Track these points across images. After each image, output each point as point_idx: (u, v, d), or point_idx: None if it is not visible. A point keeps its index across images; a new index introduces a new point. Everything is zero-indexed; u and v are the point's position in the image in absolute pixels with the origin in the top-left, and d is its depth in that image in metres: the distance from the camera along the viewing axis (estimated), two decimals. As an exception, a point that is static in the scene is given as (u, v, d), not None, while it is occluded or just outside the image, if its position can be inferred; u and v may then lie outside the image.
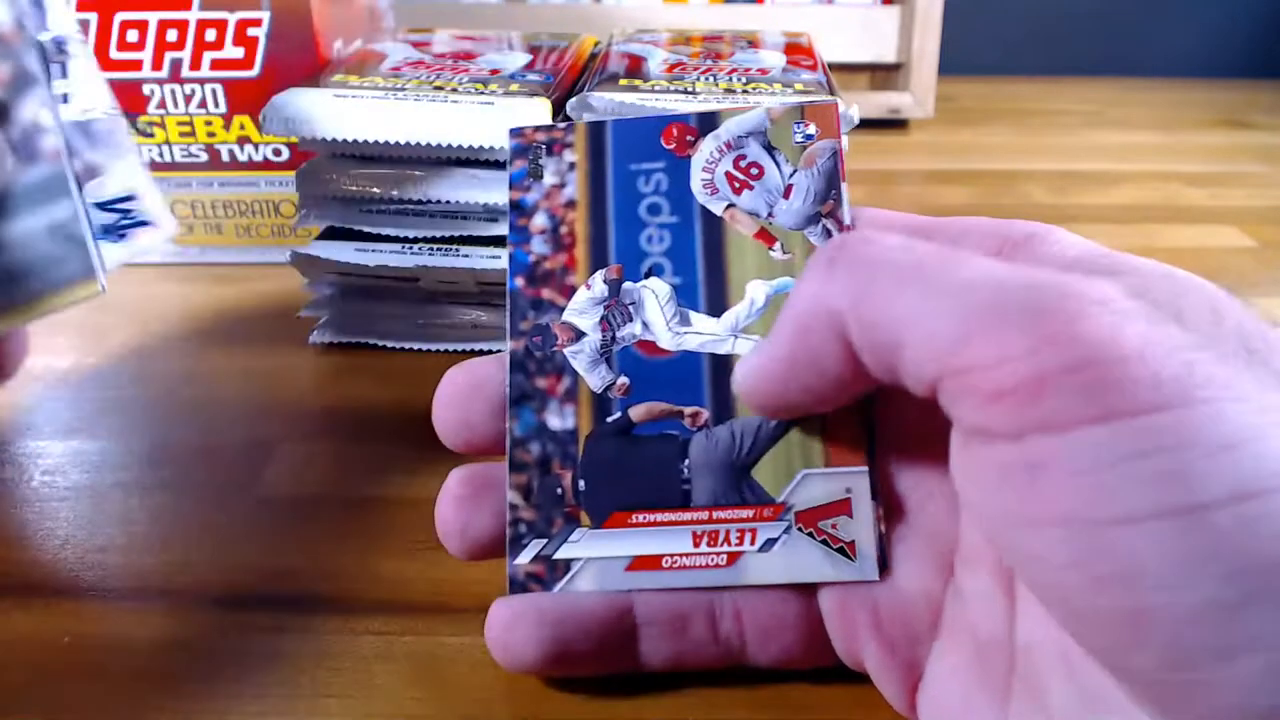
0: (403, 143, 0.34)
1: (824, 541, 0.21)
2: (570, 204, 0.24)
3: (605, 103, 0.34)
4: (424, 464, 0.30)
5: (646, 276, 0.23)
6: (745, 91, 0.35)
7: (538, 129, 0.25)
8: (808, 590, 0.22)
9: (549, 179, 0.25)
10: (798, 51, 0.41)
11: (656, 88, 0.36)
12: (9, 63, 0.25)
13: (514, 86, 0.36)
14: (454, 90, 0.36)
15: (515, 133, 0.25)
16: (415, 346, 0.38)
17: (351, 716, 0.22)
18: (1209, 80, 0.85)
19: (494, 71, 0.38)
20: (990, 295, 0.16)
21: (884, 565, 0.21)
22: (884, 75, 0.71)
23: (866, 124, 0.67)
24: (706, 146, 0.24)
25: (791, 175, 0.24)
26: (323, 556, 0.27)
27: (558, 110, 0.36)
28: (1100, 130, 0.71)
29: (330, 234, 0.37)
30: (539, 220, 0.24)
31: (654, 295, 0.23)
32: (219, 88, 0.43)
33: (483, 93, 0.36)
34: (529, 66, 0.39)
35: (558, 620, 0.22)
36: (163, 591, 0.26)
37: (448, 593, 0.26)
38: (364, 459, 0.32)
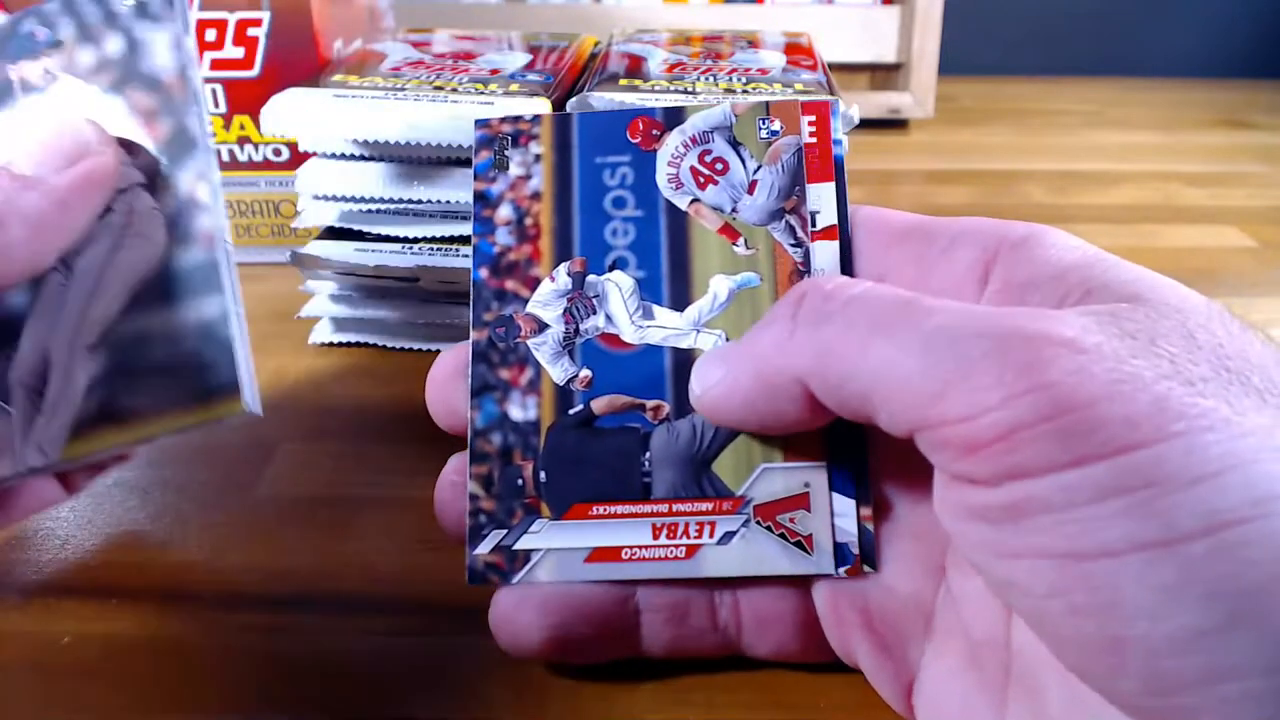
0: (403, 143, 0.34)
1: (781, 535, 0.22)
2: (535, 196, 0.24)
3: (605, 103, 0.34)
4: (424, 464, 0.30)
5: (611, 270, 0.24)
6: (745, 91, 0.35)
7: (504, 120, 0.25)
8: (804, 585, 0.22)
9: (514, 170, 0.25)
10: (798, 51, 0.41)
11: (656, 88, 0.36)
12: (170, 119, 0.21)
13: (514, 86, 0.36)
14: (454, 90, 0.36)
15: (481, 124, 0.25)
16: (415, 346, 0.38)
17: (352, 717, 0.22)
18: (1209, 80, 0.85)
19: (494, 71, 0.38)
20: (957, 347, 0.16)
21: (871, 562, 0.21)
22: (884, 75, 0.71)
23: (866, 124, 0.67)
24: (672, 141, 0.24)
25: (756, 171, 0.24)
26: (323, 556, 0.27)
27: (558, 110, 0.36)
28: (1100, 130, 0.71)
29: (330, 234, 0.37)
30: (504, 212, 0.24)
31: (617, 288, 0.23)
32: (219, 88, 0.43)
33: (483, 93, 0.36)
34: (529, 66, 0.39)
35: (561, 607, 0.22)
36: (163, 591, 0.26)
37: (448, 592, 0.26)
38: (364, 459, 0.32)
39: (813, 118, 0.24)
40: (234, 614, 0.25)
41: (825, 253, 0.23)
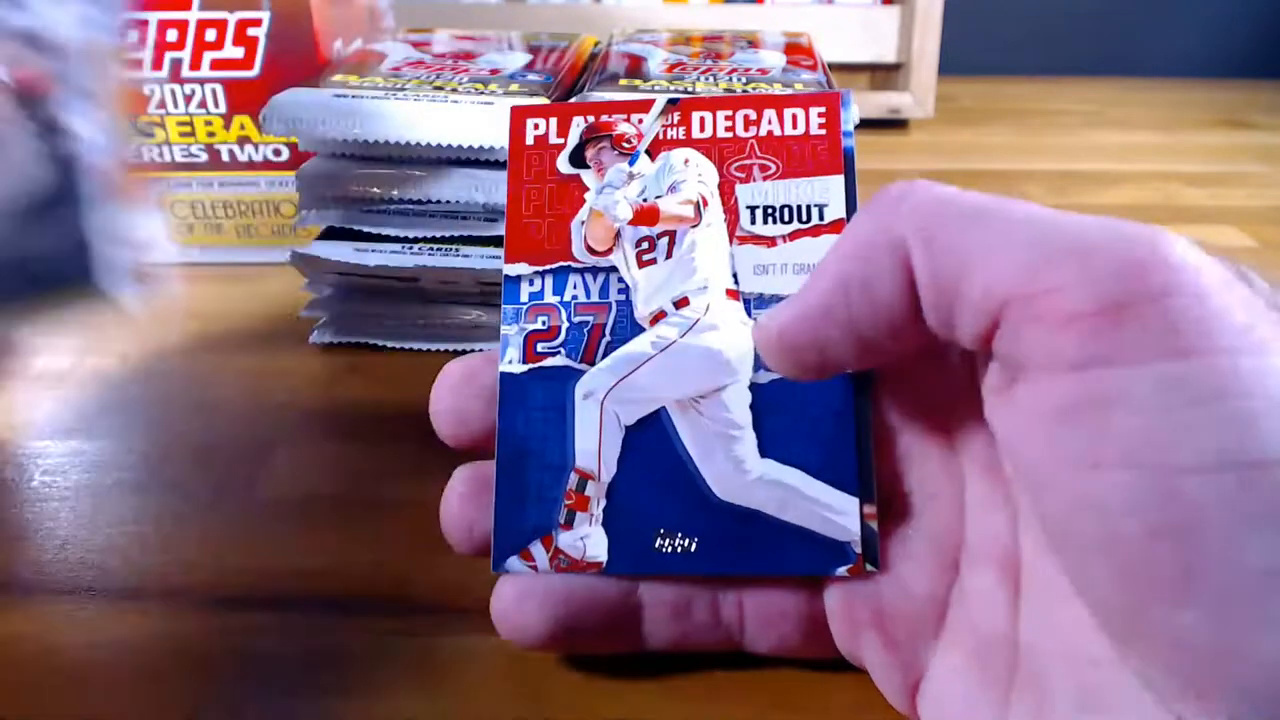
0: (403, 143, 0.34)
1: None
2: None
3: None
4: (424, 464, 0.30)
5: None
6: (745, 92, 0.35)
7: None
8: (811, 582, 0.22)
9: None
10: (798, 51, 0.41)
11: (656, 88, 0.36)
12: (55, 68, 0.24)
13: (514, 86, 0.36)
14: (454, 90, 0.36)
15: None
16: (415, 346, 0.38)
17: (353, 717, 0.22)
18: (1209, 80, 0.85)
19: (494, 71, 0.38)
20: (1070, 227, 0.16)
21: (876, 562, 0.21)
22: (884, 75, 0.71)
23: (866, 124, 0.67)
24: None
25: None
26: (323, 557, 0.27)
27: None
28: (1100, 130, 0.71)
29: (330, 234, 0.37)
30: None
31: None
32: (219, 88, 0.43)
33: (483, 93, 0.36)
34: (529, 66, 0.39)
35: (565, 598, 0.22)
36: (162, 592, 0.26)
37: (449, 592, 0.26)
38: (364, 459, 0.32)
39: (822, 109, 0.24)
40: (234, 614, 0.25)
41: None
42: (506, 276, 0.24)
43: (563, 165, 0.25)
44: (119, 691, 0.23)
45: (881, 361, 0.20)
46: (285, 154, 0.44)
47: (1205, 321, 0.14)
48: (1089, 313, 0.15)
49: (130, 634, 0.24)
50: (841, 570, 0.21)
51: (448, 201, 0.36)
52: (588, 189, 0.24)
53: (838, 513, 0.22)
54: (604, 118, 0.25)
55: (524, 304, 0.24)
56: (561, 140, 0.25)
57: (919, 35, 0.67)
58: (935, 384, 0.21)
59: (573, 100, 0.35)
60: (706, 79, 0.37)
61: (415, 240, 0.36)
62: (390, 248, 0.36)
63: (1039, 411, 0.16)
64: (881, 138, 0.68)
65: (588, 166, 0.24)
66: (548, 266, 0.24)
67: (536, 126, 0.25)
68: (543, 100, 0.35)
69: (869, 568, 0.21)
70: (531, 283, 0.24)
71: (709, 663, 0.23)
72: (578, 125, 0.25)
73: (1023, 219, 0.16)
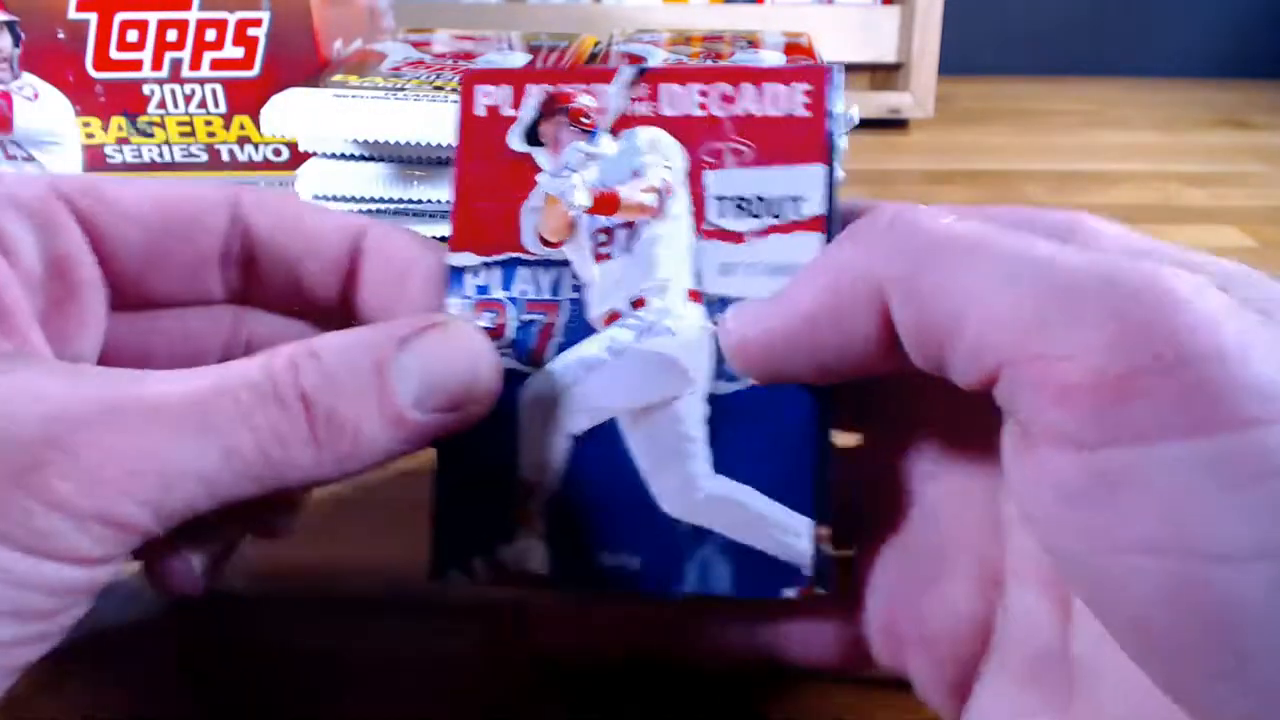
0: (403, 143, 0.34)
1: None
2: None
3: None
4: (424, 464, 0.30)
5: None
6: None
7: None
8: (852, 599, 0.21)
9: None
10: (798, 51, 0.41)
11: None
12: None
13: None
14: (454, 90, 0.36)
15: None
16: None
17: (354, 716, 0.22)
18: (1209, 80, 0.85)
19: (494, 71, 0.38)
20: (1069, 277, 0.14)
21: (827, 585, 0.20)
22: (884, 75, 0.71)
23: (866, 124, 0.67)
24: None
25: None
26: (323, 556, 0.27)
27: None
28: (1100, 130, 0.71)
29: (330, 234, 0.37)
30: None
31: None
32: (219, 88, 0.43)
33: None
34: (529, 66, 0.39)
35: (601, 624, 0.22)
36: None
37: (450, 592, 0.26)
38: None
39: (808, 86, 0.21)
40: (234, 614, 0.25)
41: (806, 248, 0.20)
42: (450, 267, 0.22)
43: (515, 142, 0.22)
44: (119, 692, 0.23)
45: (858, 376, 0.19)
46: (285, 154, 0.44)
47: (1227, 389, 0.13)
48: (1092, 385, 0.14)
49: (130, 634, 0.24)
50: (790, 593, 0.20)
51: (448, 201, 0.36)
52: (542, 170, 0.22)
53: (790, 534, 0.20)
54: (563, 88, 0.22)
55: (469, 298, 0.22)
56: (515, 113, 0.22)
57: (919, 35, 0.67)
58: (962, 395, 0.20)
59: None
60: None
61: (415, 240, 0.36)
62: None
63: (1048, 487, 0.15)
64: (881, 138, 0.68)
65: (543, 144, 0.22)
66: (495, 257, 0.22)
67: (487, 95, 0.22)
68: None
69: (819, 590, 0.20)
70: (477, 274, 0.22)
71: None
72: (533, 96, 0.22)
73: (1016, 263, 0.15)
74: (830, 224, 0.20)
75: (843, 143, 0.35)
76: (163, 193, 0.22)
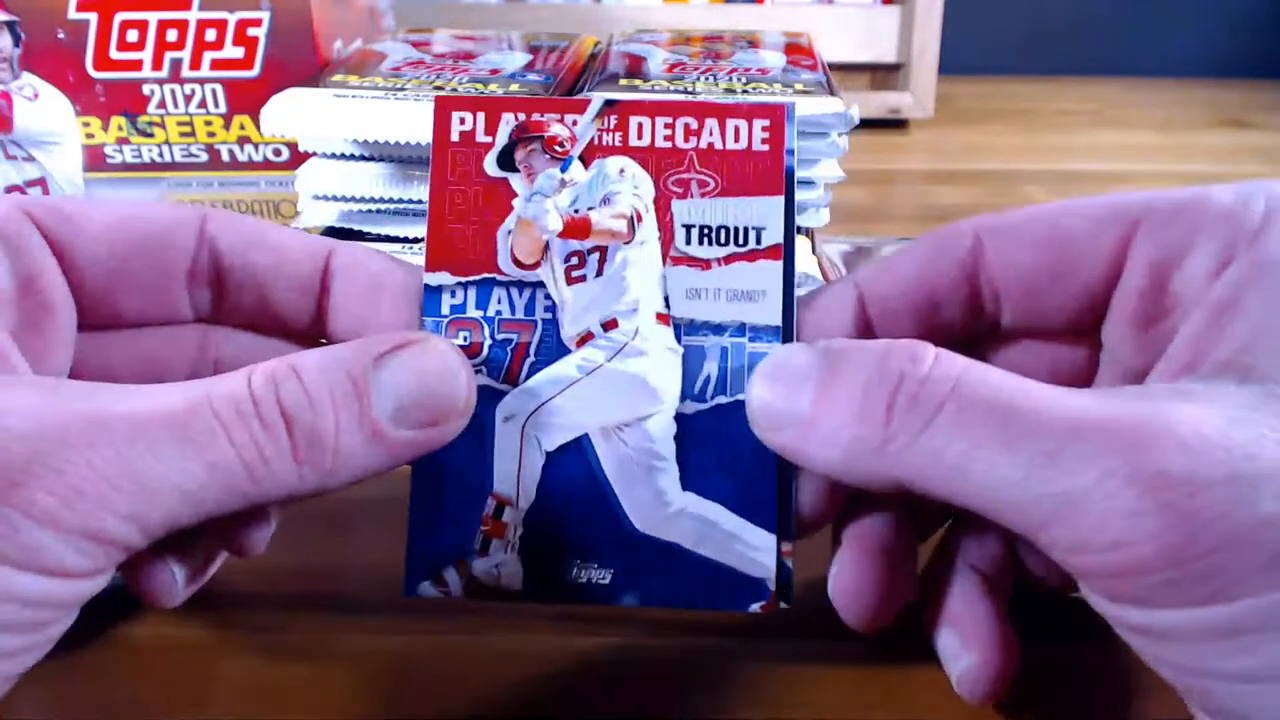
0: (403, 143, 0.34)
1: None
2: None
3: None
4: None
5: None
6: (745, 92, 0.35)
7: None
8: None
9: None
10: (798, 51, 0.41)
11: (656, 88, 0.35)
12: None
13: (514, 86, 0.36)
14: (454, 90, 0.36)
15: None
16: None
17: (354, 716, 0.22)
18: (1209, 80, 0.85)
19: (494, 71, 0.38)
20: (1064, 468, 0.16)
21: (790, 599, 0.21)
22: (884, 75, 0.71)
23: (866, 124, 0.67)
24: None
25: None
26: (323, 556, 0.27)
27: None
28: (1101, 130, 0.71)
29: (330, 234, 0.37)
30: None
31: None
32: (219, 88, 0.43)
33: (482, 93, 0.35)
34: (529, 66, 0.39)
35: None
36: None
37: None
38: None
39: (766, 122, 0.23)
40: (234, 614, 0.25)
41: (767, 275, 0.22)
42: (426, 286, 0.22)
43: (490, 167, 0.23)
44: (118, 692, 0.23)
45: None
46: (285, 154, 0.44)
47: (1211, 576, 0.15)
48: (1103, 574, 0.16)
49: (130, 634, 0.24)
50: (755, 607, 0.21)
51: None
52: (516, 195, 0.23)
53: (755, 549, 0.21)
54: (535, 116, 0.23)
55: (445, 317, 0.22)
56: (490, 139, 0.23)
57: (919, 35, 0.67)
58: None
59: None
60: (706, 79, 0.37)
61: (415, 240, 0.36)
62: (390, 248, 0.36)
63: (1101, 608, 0.18)
64: (881, 138, 0.68)
65: (517, 170, 0.23)
66: (471, 278, 0.22)
67: (463, 121, 0.23)
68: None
69: (782, 605, 0.21)
70: (454, 294, 0.22)
71: (708, 664, 0.23)
72: (507, 123, 0.23)
73: (1021, 453, 0.17)
74: (788, 251, 0.22)
75: (843, 142, 0.35)
76: (129, 213, 0.22)
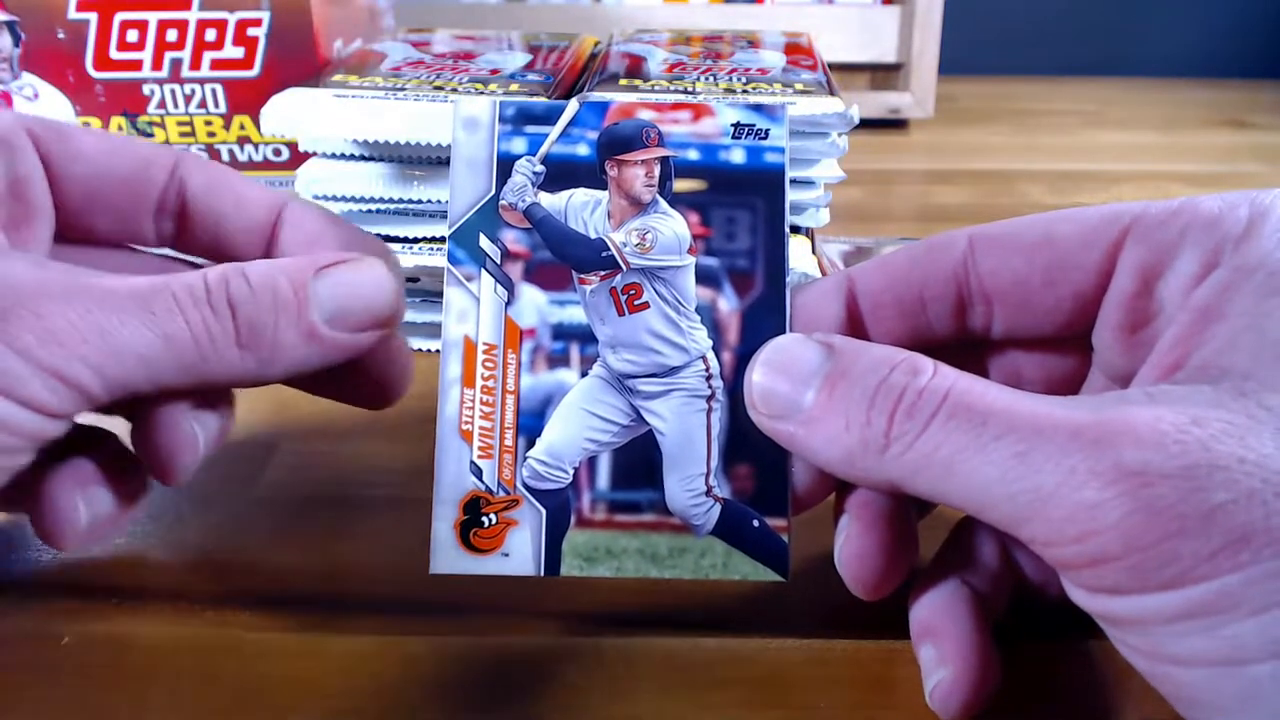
0: (403, 143, 0.34)
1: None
2: None
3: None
4: (424, 463, 0.30)
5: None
6: (745, 91, 0.35)
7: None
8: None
9: None
10: (798, 51, 0.41)
11: (656, 88, 0.36)
12: None
13: (514, 86, 0.36)
14: (454, 90, 0.36)
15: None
16: (415, 346, 0.38)
17: (354, 715, 0.22)
18: (1209, 80, 0.85)
19: (494, 71, 0.38)
20: (1034, 471, 0.17)
21: (786, 574, 0.23)
22: (884, 75, 0.71)
23: (866, 124, 0.67)
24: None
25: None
26: (323, 556, 0.27)
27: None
28: (1100, 130, 0.71)
29: (330, 234, 0.37)
30: None
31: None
32: (219, 88, 0.43)
33: (483, 93, 0.36)
34: (529, 66, 0.39)
35: None
36: (162, 592, 0.26)
37: (450, 592, 0.26)
38: (364, 459, 0.32)
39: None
40: (235, 614, 0.25)
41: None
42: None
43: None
44: (118, 692, 0.23)
45: None
46: (285, 154, 0.44)
47: (1167, 563, 0.16)
48: (1076, 565, 0.17)
49: (130, 634, 0.24)
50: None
51: (447, 201, 0.36)
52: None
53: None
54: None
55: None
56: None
57: (919, 35, 0.67)
58: None
59: (572, 100, 0.35)
60: (706, 79, 0.37)
61: (415, 240, 0.36)
62: (390, 248, 0.36)
63: (1077, 599, 0.18)
64: (881, 138, 0.68)
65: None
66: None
67: None
68: (542, 100, 0.35)
69: (778, 578, 0.23)
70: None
71: (707, 663, 0.23)
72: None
73: (998, 458, 0.18)
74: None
75: (843, 142, 0.35)
76: (115, 143, 0.25)
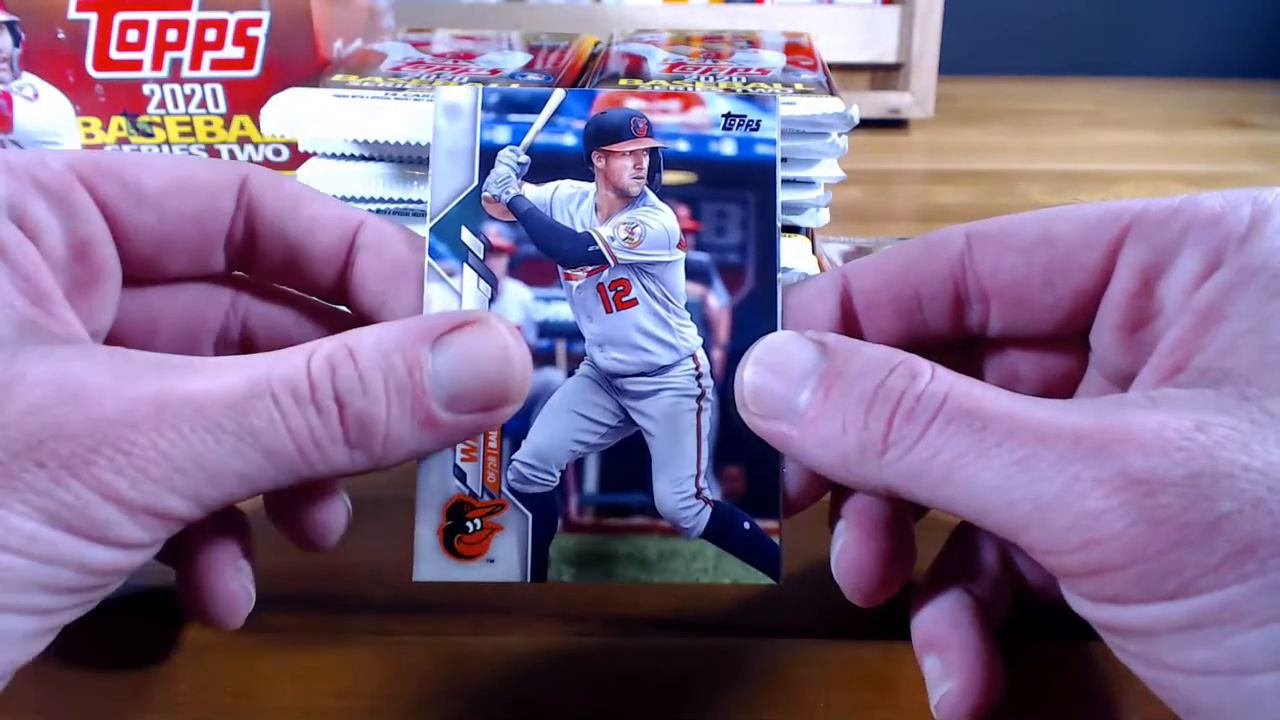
0: (403, 143, 0.34)
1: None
2: None
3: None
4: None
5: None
6: (745, 91, 0.35)
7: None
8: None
9: None
10: (798, 51, 0.41)
11: (656, 88, 0.36)
12: None
13: (514, 86, 0.36)
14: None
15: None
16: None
17: (355, 716, 0.22)
18: (1209, 80, 0.85)
19: (494, 71, 0.38)
20: (1034, 477, 0.17)
21: (778, 576, 0.22)
22: (884, 75, 0.71)
23: (866, 124, 0.67)
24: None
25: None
26: (323, 556, 0.27)
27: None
28: (1100, 130, 0.71)
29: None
30: None
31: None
32: (219, 88, 0.43)
33: (483, 93, 0.35)
34: (529, 66, 0.39)
35: None
36: (162, 592, 0.26)
37: (451, 592, 0.26)
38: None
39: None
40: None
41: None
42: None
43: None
44: (116, 691, 0.23)
45: None
46: (285, 154, 0.44)
47: (1169, 574, 0.16)
48: (1078, 574, 0.17)
49: (130, 634, 0.24)
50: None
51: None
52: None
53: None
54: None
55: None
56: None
57: (919, 35, 0.67)
58: None
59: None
60: (706, 79, 0.37)
61: (415, 240, 0.36)
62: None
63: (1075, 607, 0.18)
64: (881, 138, 0.68)
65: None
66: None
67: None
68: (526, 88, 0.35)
69: (770, 581, 0.22)
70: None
71: (706, 662, 0.23)
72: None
73: (998, 465, 0.17)
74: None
75: (843, 142, 0.35)
76: (179, 176, 0.23)
